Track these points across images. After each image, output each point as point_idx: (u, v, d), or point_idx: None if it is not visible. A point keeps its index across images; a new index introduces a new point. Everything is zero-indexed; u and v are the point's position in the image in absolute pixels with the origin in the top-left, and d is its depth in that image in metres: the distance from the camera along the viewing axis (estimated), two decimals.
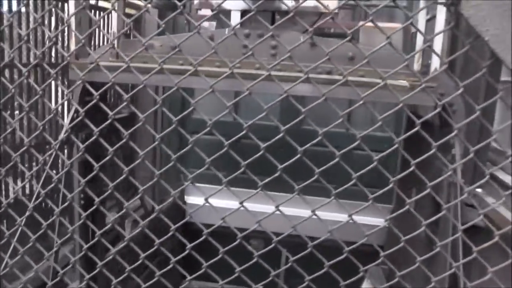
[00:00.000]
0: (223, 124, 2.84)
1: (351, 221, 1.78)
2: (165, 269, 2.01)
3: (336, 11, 2.91)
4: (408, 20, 1.64)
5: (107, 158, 2.03)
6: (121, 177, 2.04)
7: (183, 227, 2.24)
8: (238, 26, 2.86)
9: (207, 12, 4.81)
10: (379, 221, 6.24)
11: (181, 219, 2.32)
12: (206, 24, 6.27)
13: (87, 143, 2.11)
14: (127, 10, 4.92)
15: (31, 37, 4.29)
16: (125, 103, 1.96)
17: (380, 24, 1.64)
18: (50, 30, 4.62)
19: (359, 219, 1.78)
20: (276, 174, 1.80)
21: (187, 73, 1.80)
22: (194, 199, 6.02)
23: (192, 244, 1.98)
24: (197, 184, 2.10)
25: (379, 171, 1.76)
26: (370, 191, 1.73)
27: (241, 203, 1.85)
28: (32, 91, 4.18)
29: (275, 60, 2.52)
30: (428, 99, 1.76)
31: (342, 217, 1.81)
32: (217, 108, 1.89)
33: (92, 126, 2.06)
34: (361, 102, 1.64)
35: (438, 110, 1.60)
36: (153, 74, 1.84)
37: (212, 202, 1.97)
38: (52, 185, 2.29)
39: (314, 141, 1.77)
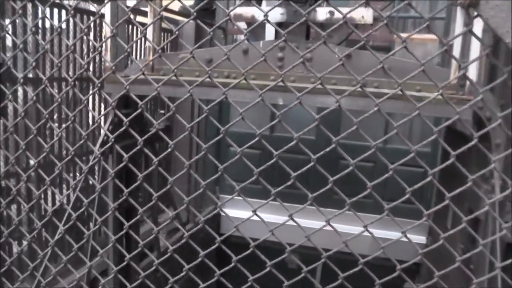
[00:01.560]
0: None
1: (377, 236, 1.75)
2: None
3: (372, 23, 2.89)
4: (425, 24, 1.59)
5: (140, 180, 2.06)
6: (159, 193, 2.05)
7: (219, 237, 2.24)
8: (273, 38, 2.87)
9: (242, 24, 4.83)
10: (418, 238, 6.13)
11: (216, 230, 2.32)
12: (241, 36, 6.34)
13: (120, 167, 2.14)
14: (164, 25, 5.00)
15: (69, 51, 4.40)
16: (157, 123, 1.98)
17: (419, 36, 1.61)
18: (89, 45, 4.75)
19: (397, 236, 1.75)
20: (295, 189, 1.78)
21: (222, 85, 1.81)
22: (228, 212, 6.02)
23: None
24: (232, 197, 2.09)
25: (418, 188, 1.71)
26: (408, 207, 1.69)
27: (271, 231, 1.84)
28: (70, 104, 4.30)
29: (310, 72, 2.52)
30: (464, 112, 1.71)
31: (378, 232, 1.78)
32: (255, 120, 1.89)
33: (120, 150, 2.09)
34: (375, 108, 1.60)
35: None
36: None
37: (247, 215, 1.96)
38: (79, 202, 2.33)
39: (344, 173, 1.74)
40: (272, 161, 1.81)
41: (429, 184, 1.67)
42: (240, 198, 1.94)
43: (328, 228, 1.78)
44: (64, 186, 4.51)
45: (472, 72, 2.50)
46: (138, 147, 2.03)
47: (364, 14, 2.79)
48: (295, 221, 1.82)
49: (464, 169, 1.59)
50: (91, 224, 3.24)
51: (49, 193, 4.18)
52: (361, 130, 1.67)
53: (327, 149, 1.74)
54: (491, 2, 1.29)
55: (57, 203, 4.17)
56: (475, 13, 1.35)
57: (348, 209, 1.73)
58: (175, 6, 5.30)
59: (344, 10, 1.86)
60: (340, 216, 1.75)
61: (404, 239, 1.79)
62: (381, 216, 1.71)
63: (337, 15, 2.62)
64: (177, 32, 1.92)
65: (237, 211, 2.00)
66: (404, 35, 1.78)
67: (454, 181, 1.65)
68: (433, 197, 6.57)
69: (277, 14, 2.88)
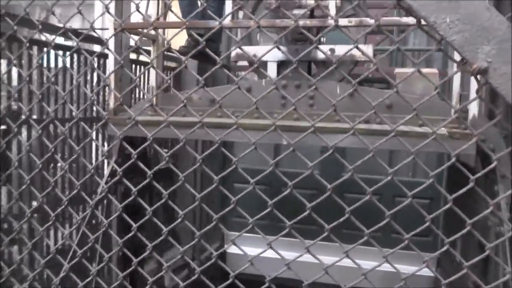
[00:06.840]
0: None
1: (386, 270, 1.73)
2: None
3: (373, 58, 2.93)
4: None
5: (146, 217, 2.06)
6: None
7: (224, 276, 2.23)
8: (276, 77, 2.91)
9: (244, 62, 4.90)
10: (426, 271, 6.02)
11: (221, 268, 2.31)
12: (243, 74, 6.41)
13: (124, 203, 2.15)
14: (167, 63, 5.06)
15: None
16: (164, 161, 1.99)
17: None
18: (92, 85, 4.82)
19: (403, 268, 1.74)
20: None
21: (225, 126, 1.83)
22: (235, 249, 5.95)
23: None
24: (242, 232, 2.08)
25: (423, 219, 1.71)
26: (415, 240, 1.69)
27: (287, 265, 1.82)
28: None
29: (312, 110, 2.55)
30: (468, 147, 1.72)
31: (386, 266, 1.76)
32: (258, 156, 1.90)
33: (129, 185, 2.09)
34: (412, 156, 1.60)
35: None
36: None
37: (253, 252, 1.94)
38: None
39: (362, 202, 1.74)
40: (285, 193, 1.81)
41: (435, 216, 1.68)
42: (247, 235, 1.94)
43: (341, 263, 1.76)
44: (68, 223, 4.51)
45: (473, 103, 2.52)
46: (146, 181, 2.03)
47: (364, 49, 2.84)
48: (312, 254, 1.80)
49: (470, 200, 1.60)
50: (94, 264, 3.22)
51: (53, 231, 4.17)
52: (377, 157, 1.68)
53: (340, 180, 1.74)
54: (499, 70, 1.29)
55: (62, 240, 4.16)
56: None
57: (365, 241, 1.71)
58: (177, 45, 5.37)
59: (345, 47, 1.90)
60: (349, 251, 1.75)
61: (410, 272, 1.78)
62: (399, 247, 1.70)
63: (338, 52, 2.67)
64: (184, 65, 1.93)
65: (244, 248, 1.99)
66: (404, 69, 1.82)
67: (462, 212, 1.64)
68: (439, 229, 6.53)
69: (278, 53, 2.93)
